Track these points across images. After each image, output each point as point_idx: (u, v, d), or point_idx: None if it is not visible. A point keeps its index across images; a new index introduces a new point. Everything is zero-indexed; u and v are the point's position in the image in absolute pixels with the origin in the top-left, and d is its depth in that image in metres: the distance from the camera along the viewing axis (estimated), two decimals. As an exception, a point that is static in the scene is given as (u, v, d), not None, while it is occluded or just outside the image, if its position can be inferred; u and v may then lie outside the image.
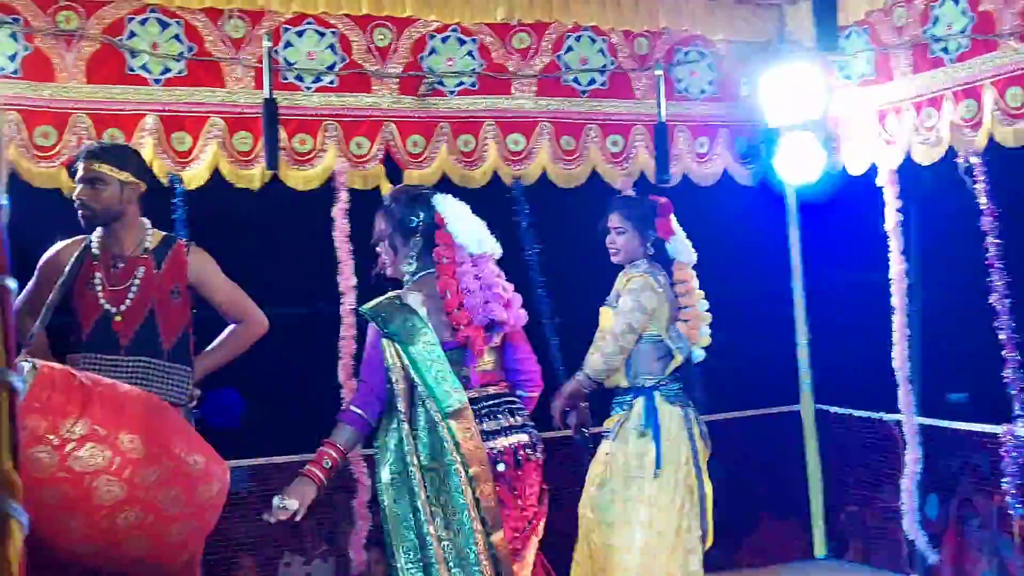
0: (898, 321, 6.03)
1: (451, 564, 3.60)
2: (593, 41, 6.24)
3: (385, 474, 3.73)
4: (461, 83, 6.00)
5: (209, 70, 5.50)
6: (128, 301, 4.09)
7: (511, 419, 3.81)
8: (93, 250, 4.16)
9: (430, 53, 5.93)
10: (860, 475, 6.40)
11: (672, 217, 4.99)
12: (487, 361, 3.86)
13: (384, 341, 3.77)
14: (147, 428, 3.46)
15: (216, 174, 5.50)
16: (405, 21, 5.84)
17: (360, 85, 5.79)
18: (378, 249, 4.09)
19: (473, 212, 4.02)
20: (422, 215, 3.89)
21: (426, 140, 5.91)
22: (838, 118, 6.25)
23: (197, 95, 5.47)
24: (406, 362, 3.70)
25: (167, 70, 5.43)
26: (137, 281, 4.12)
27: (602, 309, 5.04)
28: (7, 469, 1.60)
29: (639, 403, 4.80)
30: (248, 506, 5.79)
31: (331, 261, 5.71)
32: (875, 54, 6.00)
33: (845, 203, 6.41)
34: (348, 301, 5.69)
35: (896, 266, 6.03)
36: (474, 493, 3.59)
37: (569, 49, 6.20)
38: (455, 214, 3.88)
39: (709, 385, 5.41)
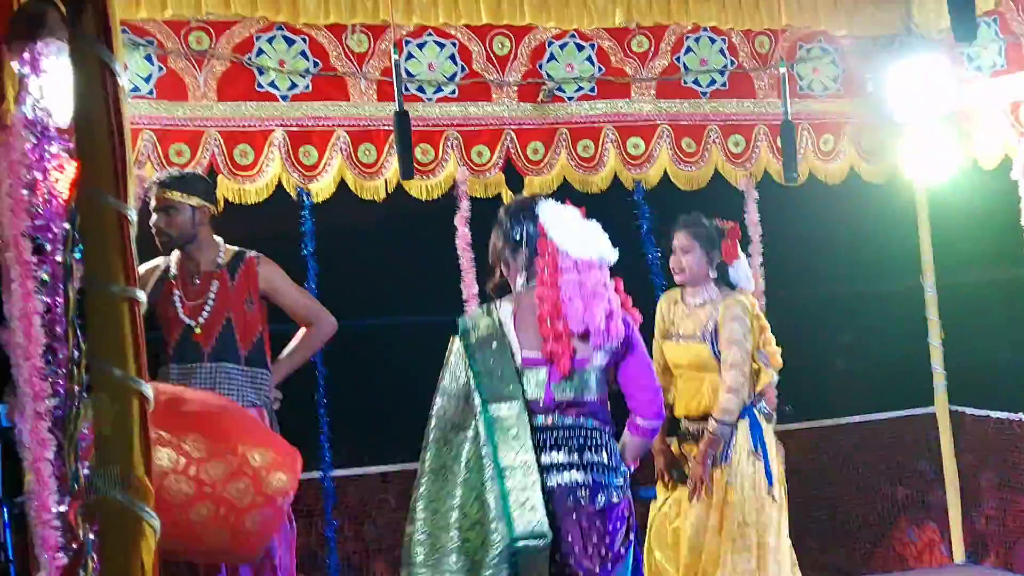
0: (1037, 318, 5.84)
1: (455, 567, 3.34)
2: (712, 41, 6.19)
3: (426, 458, 3.53)
4: (580, 88, 6.02)
5: (334, 84, 5.63)
6: (206, 313, 4.43)
7: (576, 456, 3.48)
8: (171, 271, 4.50)
9: (549, 60, 5.96)
10: (999, 478, 6.20)
11: (737, 243, 4.91)
12: (573, 385, 3.54)
13: (455, 344, 3.60)
14: (209, 428, 3.77)
15: (342, 186, 5.63)
16: (524, 29, 5.89)
17: (480, 94, 5.86)
18: (498, 266, 3.90)
19: (593, 217, 3.94)
20: (528, 226, 3.70)
21: (546, 147, 5.94)
22: (969, 111, 6.08)
23: (323, 109, 5.61)
24: (468, 371, 3.49)
25: (294, 86, 5.57)
26: (213, 294, 4.45)
27: (690, 346, 4.79)
28: (140, 475, 1.68)
29: (744, 425, 4.68)
30: (380, 511, 5.90)
31: (454, 269, 5.79)
32: (1006, 44, 5.82)
33: (978, 198, 6.23)
34: (471, 308, 5.76)
35: (1034, 262, 5.84)
36: (503, 487, 3.30)
37: (688, 50, 6.17)
38: (557, 220, 3.65)
39: (841, 387, 5.32)
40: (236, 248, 4.60)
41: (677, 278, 4.89)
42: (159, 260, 4.56)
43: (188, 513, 3.66)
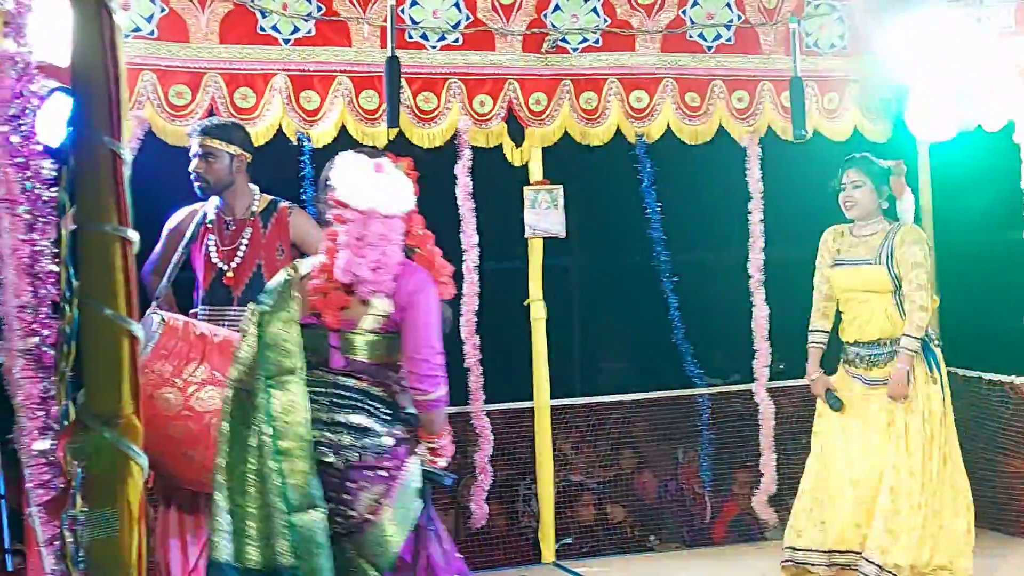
0: (1034, 282, 5.86)
1: (252, 533, 3.31)
2: (720, -5, 6.15)
3: (224, 427, 3.44)
4: (584, 40, 5.98)
5: (337, 30, 5.60)
6: (238, 259, 4.61)
7: (360, 418, 3.41)
8: (208, 216, 4.66)
9: (554, 10, 5.92)
10: (990, 439, 6.22)
11: (904, 179, 5.08)
12: (360, 348, 3.42)
13: (252, 312, 3.46)
14: None
15: (343, 132, 5.61)
16: (529, -23, 5.85)
17: (484, 43, 5.83)
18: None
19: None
20: (328, 176, 3.54)
21: (549, 98, 5.92)
22: (975, 72, 6.03)
23: (325, 54, 5.58)
24: (255, 329, 3.40)
25: (296, 30, 5.54)
26: (245, 241, 4.63)
27: (862, 268, 5.03)
28: (129, 414, 1.69)
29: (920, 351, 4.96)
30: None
31: (454, 218, 5.79)
32: (1016, 5, 5.77)
33: (980, 160, 6.20)
34: (471, 258, 5.78)
35: (1033, 225, 5.83)
36: (279, 467, 3.28)
37: (695, 3, 6.12)
38: (342, 168, 3.49)
39: (836, 345, 5.33)
40: (270, 197, 4.75)
41: (849, 213, 5.10)
42: (198, 205, 4.72)
43: None
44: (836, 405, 5.07)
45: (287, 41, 5.53)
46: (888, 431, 4.95)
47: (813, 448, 5.21)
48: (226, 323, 4.52)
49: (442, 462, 3.63)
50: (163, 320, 4.02)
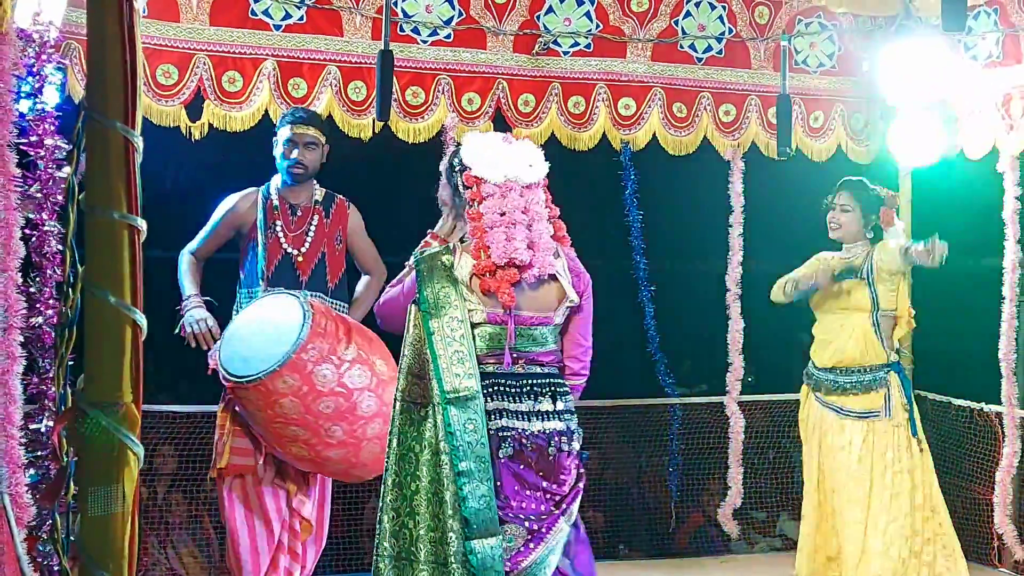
0: (1007, 311, 5.90)
1: (422, 556, 3.25)
2: (712, 7, 6.16)
3: (393, 443, 3.38)
4: (576, 44, 5.98)
5: (328, 19, 5.57)
6: (307, 244, 4.77)
7: (550, 404, 3.38)
8: (273, 201, 4.80)
9: (547, 12, 5.92)
10: (954, 464, 6.27)
11: (895, 211, 5.14)
12: (535, 338, 3.41)
13: (413, 313, 3.38)
14: (387, 355, 4.25)
15: (329, 122, 5.57)
16: (524, -21, 5.84)
17: (475, 41, 5.81)
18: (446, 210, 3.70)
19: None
20: (457, 162, 3.51)
21: (537, 99, 5.91)
22: (960, 99, 6.08)
23: (315, 43, 5.55)
24: (423, 334, 3.30)
25: (288, 16, 5.51)
26: (313, 228, 4.81)
27: (850, 283, 5.04)
28: (128, 402, 1.66)
29: (895, 377, 4.99)
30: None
31: (434, 215, 5.75)
32: (1003, 35, 5.82)
33: (961, 187, 6.24)
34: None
35: (1010, 255, 5.88)
36: (459, 490, 3.19)
37: (687, 15, 6.13)
38: (472, 144, 3.47)
39: (807, 362, 5.36)
40: (325, 189, 4.92)
41: (832, 234, 5.15)
42: (250, 190, 4.82)
43: (367, 427, 4.10)
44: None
45: (278, 27, 5.50)
46: (859, 467, 4.94)
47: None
48: None
49: None
50: (309, 301, 4.26)
